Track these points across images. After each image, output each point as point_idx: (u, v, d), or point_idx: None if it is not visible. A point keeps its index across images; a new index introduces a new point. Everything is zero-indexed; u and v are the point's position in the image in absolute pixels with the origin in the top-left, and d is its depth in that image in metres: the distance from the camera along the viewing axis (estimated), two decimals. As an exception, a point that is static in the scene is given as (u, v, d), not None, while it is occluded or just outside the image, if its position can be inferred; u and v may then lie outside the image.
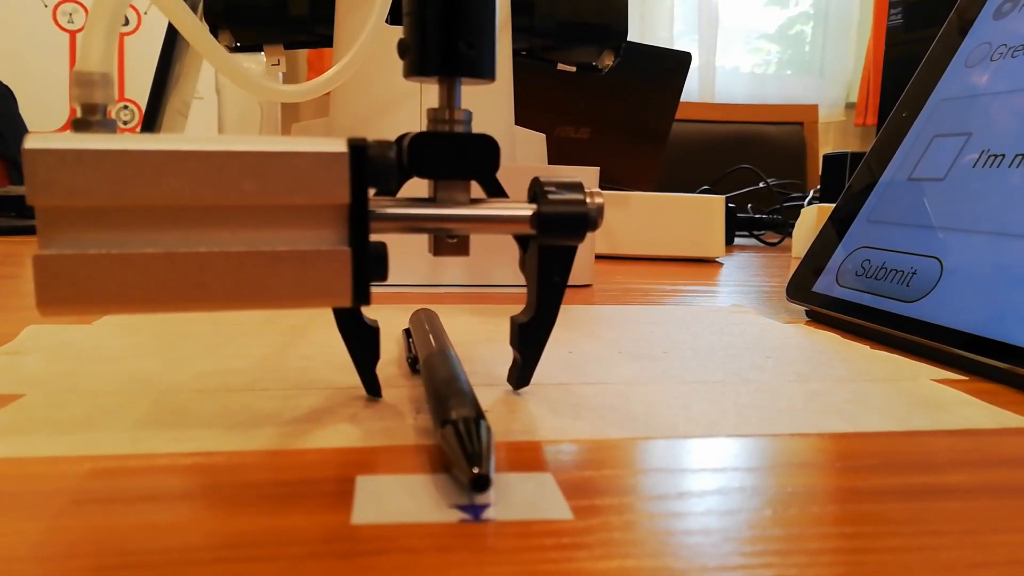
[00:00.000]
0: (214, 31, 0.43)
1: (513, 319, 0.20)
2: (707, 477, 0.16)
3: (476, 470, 0.14)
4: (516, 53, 0.48)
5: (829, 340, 0.30)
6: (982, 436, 0.19)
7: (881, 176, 0.34)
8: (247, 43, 0.45)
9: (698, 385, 0.22)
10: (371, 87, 0.40)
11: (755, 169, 0.90)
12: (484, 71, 0.19)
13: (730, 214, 0.74)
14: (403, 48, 0.19)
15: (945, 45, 0.35)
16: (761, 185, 0.90)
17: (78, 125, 0.17)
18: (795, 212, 0.86)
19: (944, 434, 0.19)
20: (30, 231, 0.66)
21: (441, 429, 0.15)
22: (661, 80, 0.99)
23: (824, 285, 0.34)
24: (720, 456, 0.17)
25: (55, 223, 0.15)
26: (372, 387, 0.20)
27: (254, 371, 0.22)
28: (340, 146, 0.17)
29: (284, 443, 0.17)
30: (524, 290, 0.19)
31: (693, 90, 2.15)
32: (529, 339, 0.20)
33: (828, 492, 0.15)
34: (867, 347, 0.29)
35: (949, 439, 0.19)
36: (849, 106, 2.46)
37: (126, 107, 1.69)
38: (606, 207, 0.57)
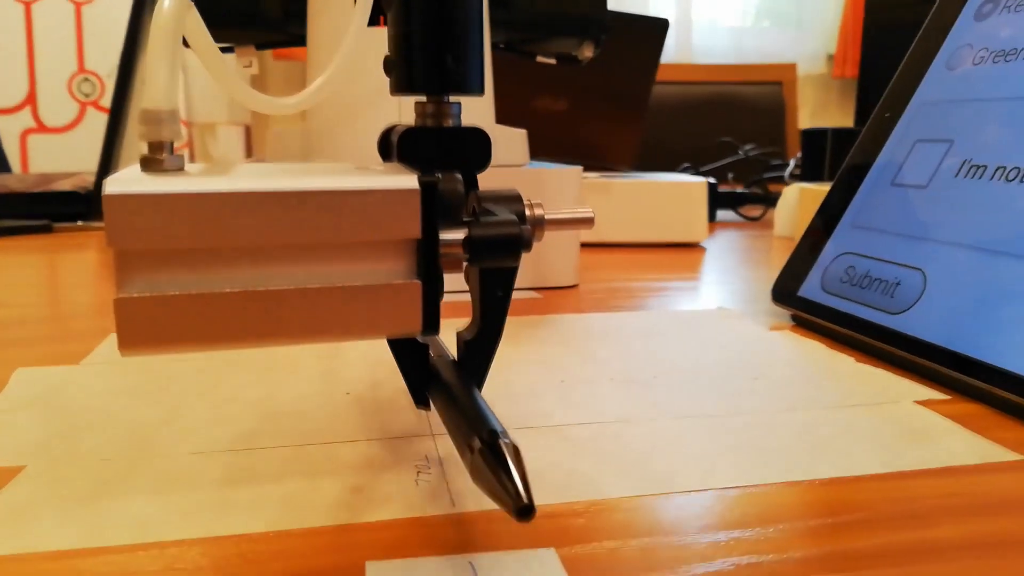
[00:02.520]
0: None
1: (459, 334, 0.20)
2: (706, 547, 0.16)
3: (523, 500, 0.13)
4: (494, 47, 0.48)
5: (815, 352, 0.30)
6: (966, 475, 0.19)
7: (864, 179, 0.35)
8: (218, 45, 0.44)
9: (690, 421, 0.23)
10: (347, 87, 0.40)
11: (734, 142, 0.90)
12: (473, 87, 0.19)
13: (712, 190, 0.74)
14: (388, 65, 0.19)
15: (926, 44, 0.35)
16: (740, 155, 0.90)
17: (147, 164, 0.17)
18: (776, 182, 0.87)
19: (930, 475, 0.19)
20: (10, 232, 0.65)
21: (471, 456, 0.15)
22: (638, 47, 0.98)
23: (809, 290, 0.34)
24: (717, 517, 0.17)
25: (134, 266, 0.16)
26: (421, 399, 0.20)
27: (250, 421, 0.22)
28: (411, 182, 0.17)
29: (288, 521, 0.17)
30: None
31: (669, 46, 2.13)
32: (475, 355, 0.19)
33: (822, 559, 0.16)
34: (852, 360, 0.29)
35: (935, 481, 0.19)
36: (829, 58, 2.45)
37: (87, 79, 1.65)
38: (589, 194, 0.57)
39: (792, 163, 0.88)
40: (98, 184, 0.77)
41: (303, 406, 0.23)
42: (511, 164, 0.44)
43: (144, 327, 0.16)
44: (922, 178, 0.32)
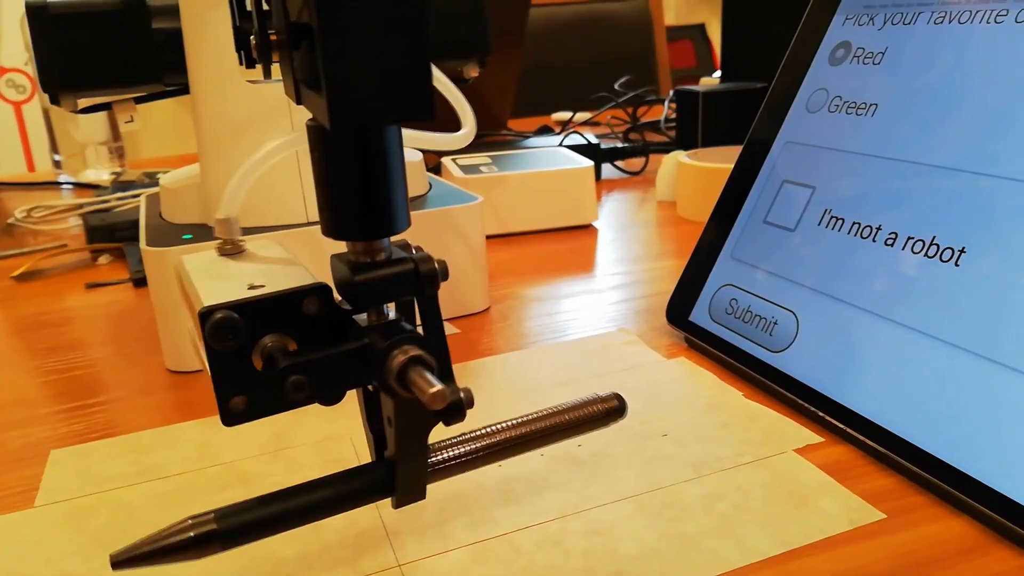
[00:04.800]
0: (55, 99, 0.40)
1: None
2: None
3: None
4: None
5: (708, 389, 0.34)
6: (843, 546, 0.24)
7: (740, 212, 0.38)
8: (95, 104, 0.42)
9: (616, 508, 0.26)
10: (235, 107, 0.39)
11: (609, 95, 0.93)
12: (401, 225, 0.19)
13: (594, 150, 0.77)
14: (319, 207, 0.19)
15: (787, 80, 0.39)
16: (615, 103, 0.93)
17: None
18: (653, 129, 0.90)
19: (814, 550, 0.24)
20: None
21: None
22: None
23: (699, 316, 0.38)
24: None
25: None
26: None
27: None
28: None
29: None
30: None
31: None
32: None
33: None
34: (740, 395, 0.34)
35: (819, 557, 0.24)
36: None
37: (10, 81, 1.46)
38: (484, 190, 0.59)
39: (665, 105, 0.92)
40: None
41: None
42: (411, 197, 0.45)
43: None
44: (790, 221, 0.35)
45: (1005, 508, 0.24)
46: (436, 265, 0.20)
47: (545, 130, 0.99)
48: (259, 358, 0.19)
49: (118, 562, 0.18)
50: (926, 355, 0.28)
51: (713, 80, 1.00)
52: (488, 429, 0.23)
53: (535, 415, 0.23)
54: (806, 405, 0.31)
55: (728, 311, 0.37)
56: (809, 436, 0.30)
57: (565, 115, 1.09)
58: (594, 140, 0.79)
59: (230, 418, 0.19)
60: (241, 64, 0.39)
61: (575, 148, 0.75)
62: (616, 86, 1.02)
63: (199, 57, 0.40)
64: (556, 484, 0.28)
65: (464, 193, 0.46)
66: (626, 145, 0.80)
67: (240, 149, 0.40)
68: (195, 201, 0.43)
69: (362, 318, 0.20)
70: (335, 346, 0.19)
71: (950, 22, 0.32)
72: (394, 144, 0.19)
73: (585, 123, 1.04)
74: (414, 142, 0.39)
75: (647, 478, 0.28)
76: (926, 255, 0.29)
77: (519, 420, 0.23)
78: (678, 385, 0.35)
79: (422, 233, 0.42)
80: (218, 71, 0.40)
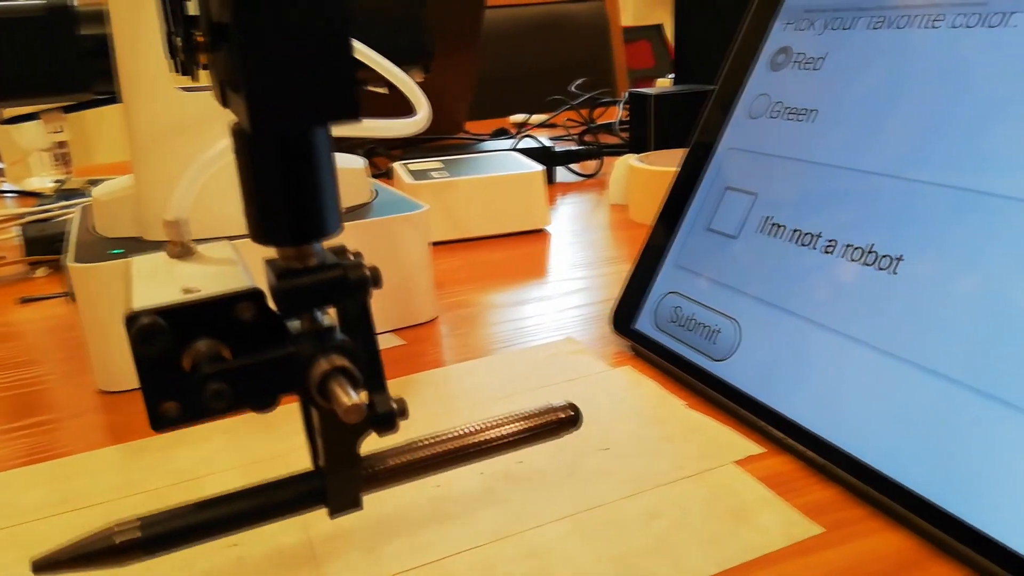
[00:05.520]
0: (-24, 109, 0.38)
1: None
2: None
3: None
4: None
5: (651, 399, 0.34)
6: (781, 562, 0.24)
7: (683, 219, 0.38)
8: (21, 114, 0.40)
9: (553, 529, 0.26)
10: (168, 116, 0.38)
11: (565, 98, 0.92)
12: (331, 229, 0.19)
13: (548, 153, 0.76)
14: (245, 212, 0.19)
15: (730, 85, 0.38)
16: (569, 106, 0.92)
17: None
18: (607, 132, 0.90)
19: (752, 567, 0.23)
20: None
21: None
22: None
23: (644, 323, 0.38)
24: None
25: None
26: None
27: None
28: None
29: None
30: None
31: None
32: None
33: None
34: (683, 405, 0.33)
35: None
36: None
37: None
38: (433, 196, 0.58)
39: (620, 107, 0.92)
40: None
41: None
42: (353, 205, 0.44)
43: None
44: (732, 228, 0.35)
45: (943, 521, 0.23)
46: (367, 272, 0.19)
47: (502, 132, 0.98)
48: (190, 363, 0.18)
49: (40, 567, 0.18)
50: (864, 365, 0.27)
51: (668, 81, 1.00)
52: (435, 439, 0.22)
53: (485, 424, 0.23)
54: (747, 415, 0.31)
55: (672, 319, 0.36)
56: (750, 447, 0.30)
57: (522, 117, 1.08)
58: (548, 143, 0.78)
59: (159, 424, 0.18)
60: (174, 71, 0.38)
61: (528, 152, 0.75)
62: (572, 88, 1.02)
63: (129, 64, 0.39)
64: (493, 504, 0.27)
65: (409, 201, 0.45)
66: (580, 148, 0.80)
67: (175, 158, 0.38)
68: (129, 213, 0.41)
69: (296, 325, 0.20)
70: (262, 353, 0.19)
71: (888, 27, 0.32)
72: (321, 146, 0.18)
73: (541, 125, 1.04)
74: (368, 130, 0.38)
75: (586, 496, 0.27)
76: (864, 263, 0.29)
77: (467, 430, 0.23)
78: (622, 396, 0.34)
79: (366, 242, 0.41)
80: (150, 78, 0.38)
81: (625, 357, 0.38)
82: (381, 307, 0.33)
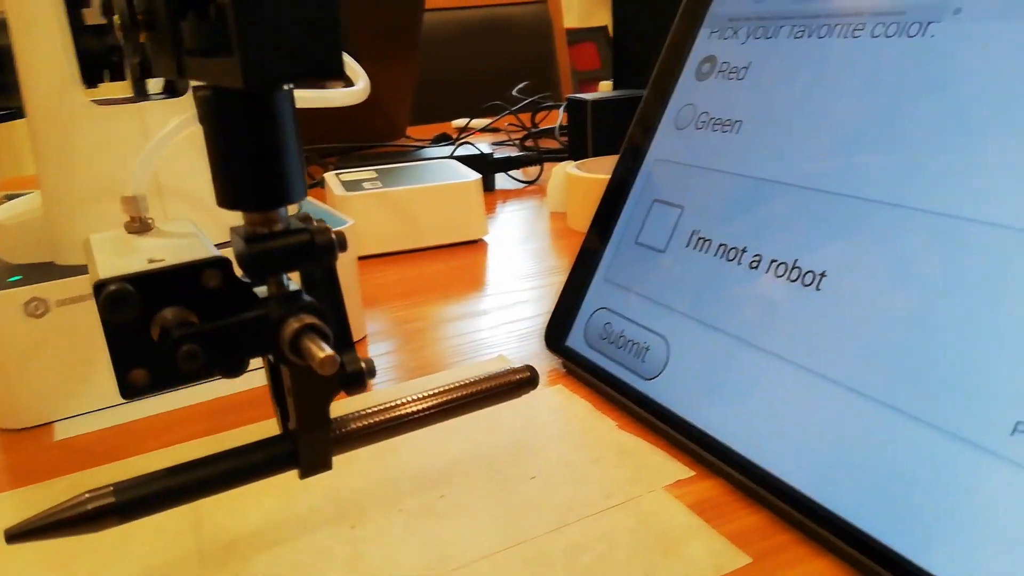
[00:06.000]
0: None
1: None
2: None
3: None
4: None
5: (582, 420, 0.33)
6: (704, 597, 0.23)
7: (612, 232, 0.37)
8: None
9: (474, 570, 0.24)
10: (79, 131, 0.36)
11: (505, 104, 0.91)
12: (297, 195, 0.19)
13: (486, 160, 0.75)
14: (213, 177, 0.19)
15: (657, 95, 0.38)
16: (510, 110, 0.91)
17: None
18: (548, 136, 0.89)
19: (676, 603, 0.23)
20: None
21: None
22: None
23: (575, 340, 0.37)
24: None
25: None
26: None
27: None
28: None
29: None
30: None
31: None
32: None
33: None
34: (614, 425, 0.32)
35: (679, 612, 0.22)
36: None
37: None
38: (371, 206, 0.56)
39: (561, 111, 0.91)
40: None
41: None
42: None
43: None
44: (660, 242, 0.34)
45: (869, 548, 0.23)
46: (334, 236, 0.20)
47: (443, 138, 0.97)
48: (159, 331, 0.19)
49: (14, 535, 0.18)
50: (790, 385, 0.27)
51: (611, 84, 1.00)
52: (399, 401, 0.24)
53: (447, 387, 0.25)
54: (677, 436, 0.30)
55: (603, 336, 0.35)
56: (680, 470, 0.29)
57: (463, 122, 1.07)
58: (487, 149, 0.77)
59: (129, 391, 0.19)
60: (81, 83, 0.35)
61: (467, 159, 0.73)
62: (514, 92, 1.01)
63: (33, 78, 0.36)
64: (412, 545, 0.26)
65: (335, 216, 0.43)
66: (520, 154, 0.79)
67: (88, 176, 0.36)
68: (35, 237, 0.39)
69: (263, 290, 0.20)
70: (233, 316, 0.20)
71: (810, 36, 0.31)
72: (287, 112, 0.19)
73: (484, 130, 1.02)
74: (309, 101, 0.37)
75: (510, 531, 0.26)
76: (789, 279, 0.28)
77: (431, 392, 0.24)
78: (553, 417, 0.33)
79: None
80: (55, 91, 0.36)
81: (558, 375, 0.37)
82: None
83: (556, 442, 0.31)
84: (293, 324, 0.19)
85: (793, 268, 0.28)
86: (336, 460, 0.23)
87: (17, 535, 0.18)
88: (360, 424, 0.23)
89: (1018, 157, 0.23)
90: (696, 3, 0.38)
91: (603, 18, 2.36)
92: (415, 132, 1.07)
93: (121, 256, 0.21)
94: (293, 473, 0.22)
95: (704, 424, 0.29)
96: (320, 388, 0.21)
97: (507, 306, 0.47)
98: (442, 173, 0.61)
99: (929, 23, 0.27)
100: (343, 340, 0.21)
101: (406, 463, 0.30)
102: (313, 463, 0.22)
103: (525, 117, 0.95)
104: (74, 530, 0.19)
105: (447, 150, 0.79)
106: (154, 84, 0.39)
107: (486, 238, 0.61)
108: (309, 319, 0.19)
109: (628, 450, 0.30)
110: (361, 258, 0.55)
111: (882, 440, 0.24)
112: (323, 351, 0.18)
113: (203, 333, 0.19)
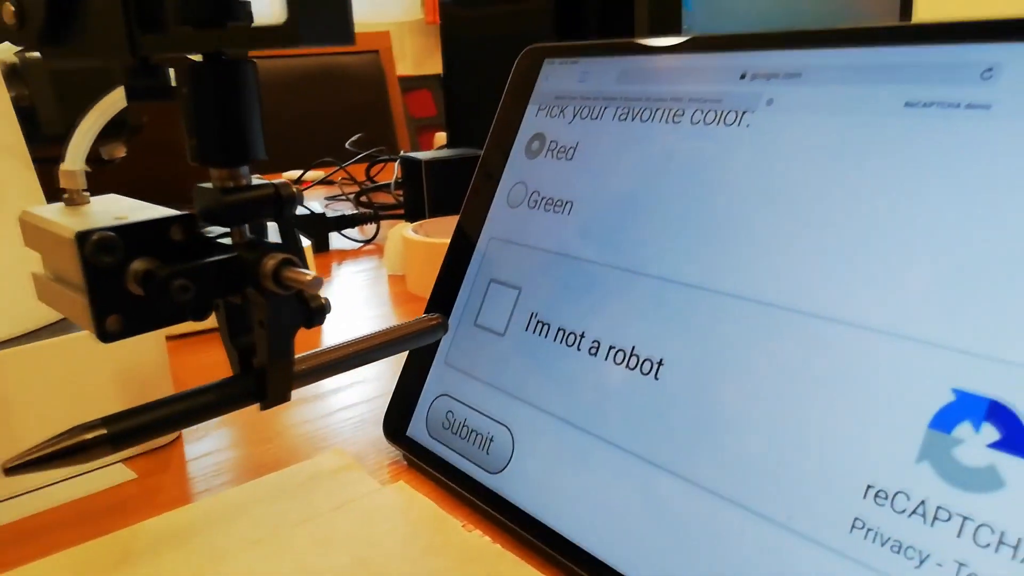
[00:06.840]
0: None
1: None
2: None
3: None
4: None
5: (425, 524, 0.31)
6: None
7: (451, 312, 0.36)
8: None
9: None
10: None
11: (336, 161, 0.89)
12: (259, 152, 0.22)
13: (319, 220, 0.72)
14: (187, 137, 0.21)
15: (489, 170, 0.37)
16: (341, 167, 0.89)
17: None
18: (384, 190, 0.87)
19: None
20: None
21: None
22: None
23: (417, 430, 0.35)
24: None
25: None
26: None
27: None
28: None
29: None
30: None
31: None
32: None
33: None
34: (460, 526, 0.30)
35: None
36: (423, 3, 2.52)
37: None
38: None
39: (396, 166, 0.89)
40: None
41: None
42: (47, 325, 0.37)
43: None
44: (499, 324, 0.33)
45: (719, 652, 0.22)
46: (295, 188, 0.23)
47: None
48: (132, 280, 0.21)
49: (11, 468, 0.20)
50: (631, 476, 0.26)
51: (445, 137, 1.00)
52: (335, 346, 0.27)
53: (374, 335, 0.28)
54: (525, 535, 0.29)
55: (445, 425, 0.34)
56: (529, 573, 0.27)
57: (296, 174, 1.03)
58: (319, 209, 0.74)
59: (107, 336, 0.21)
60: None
61: (300, 219, 0.70)
62: (347, 145, 0.98)
63: None
64: None
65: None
66: (355, 212, 0.76)
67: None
68: None
69: (225, 242, 0.23)
70: (213, 257, 0.22)
71: (633, 119, 0.32)
72: (252, 81, 0.21)
73: (320, 183, 0.99)
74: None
75: (347, 670, 0.24)
76: (627, 366, 0.28)
77: (361, 339, 0.27)
78: (395, 523, 0.31)
79: (80, 360, 0.34)
80: None
81: (400, 468, 0.35)
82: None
83: (399, 554, 0.29)
84: (272, 259, 0.21)
85: (631, 355, 0.28)
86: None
87: (16, 467, 0.20)
88: (304, 366, 0.25)
89: (823, 244, 0.24)
90: (523, 78, 0.37)
91: (436, 66, 2.39)
92: (244, 187, 1.02)
93: (83, 217, 0.22)
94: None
95: (550, 518, 0.28)
96: (291, 319, 0.23)
97: (343, 387, 0.44)
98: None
99: (744, 112, 0.28)
100: None
101: (228, 595, 0.27)
102: (278, 394, 0.24)
103: (352, 172, 0.92)
104: (68, 461, 0.20)
105: (277, 210, 0.75)
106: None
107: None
108: (283, 255, 0.22)
109: (476, 555, 0.29)
110: (170, 338, 0.50)
111: (727, 537, 0.23)
112: (308, 275, 0.21)
113: (191, 270, 0.21)
